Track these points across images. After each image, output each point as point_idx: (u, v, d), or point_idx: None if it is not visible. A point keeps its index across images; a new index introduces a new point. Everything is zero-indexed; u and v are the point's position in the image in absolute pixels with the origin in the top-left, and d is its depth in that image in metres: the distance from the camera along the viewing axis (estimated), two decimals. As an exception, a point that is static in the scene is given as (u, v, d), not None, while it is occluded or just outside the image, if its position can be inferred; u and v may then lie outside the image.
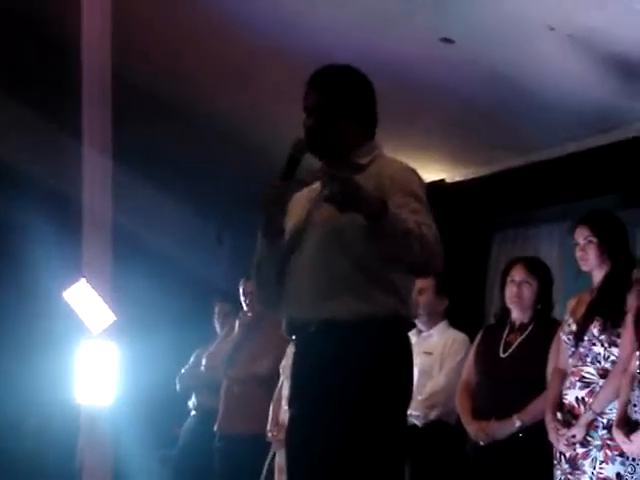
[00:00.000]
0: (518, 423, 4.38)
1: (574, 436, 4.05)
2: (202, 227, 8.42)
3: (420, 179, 3.13)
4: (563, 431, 4.09)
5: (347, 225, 2.96)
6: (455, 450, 4.95)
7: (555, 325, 4.44)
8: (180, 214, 8.16)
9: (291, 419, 3.15)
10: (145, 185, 7.34)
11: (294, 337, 3.15)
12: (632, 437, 3.75)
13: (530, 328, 4.56)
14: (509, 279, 4.63)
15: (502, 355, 4.56)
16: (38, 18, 5.94)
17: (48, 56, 6.18)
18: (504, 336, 4.60)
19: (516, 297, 4.58)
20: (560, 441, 4.09)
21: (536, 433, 4.26)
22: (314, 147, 3.10)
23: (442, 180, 6.87)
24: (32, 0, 5.79)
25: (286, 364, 5.19)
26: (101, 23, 4.81)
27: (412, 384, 3.14)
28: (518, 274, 4.61)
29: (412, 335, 3.19)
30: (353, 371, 2.95)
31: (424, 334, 5.11)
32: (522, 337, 4.56)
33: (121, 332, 5.25)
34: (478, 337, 4.80)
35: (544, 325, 4.54)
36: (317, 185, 3.16)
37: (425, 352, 4.98)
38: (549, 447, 4.18)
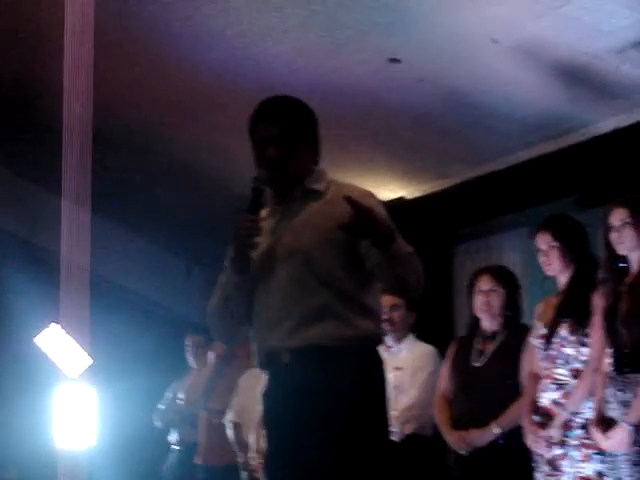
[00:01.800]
0: (497, 430, 4.41)
1: (551, 437, 4.10)
2: (171, 262, 8.42)
3: (380, 202, 3.17)
4: (541, 433, 4.13)
5: (319, 253, 3.02)
6: (434, 462, 4.98)
7: (525, 330, 4.49)
8: (148, 251, 8.16)
9: (271, 450, 3.16)
10: (111, 225, 7.36)
11: (268, 368, 3.15)
12: (609, 434, 3.79)
13: (501, 336, 4.61)
14: (476, 289, 4.67)
15: (476, 364, 4.59)
16: (16, 76, 5.99)
17: (25, 109, 6.22)
18: (476, 345, 4.64)
19: (485, 306, 4.62)
20: (538, 443, 4.14)
21: (516, 438, 4.29)
22: (278, 177, 3.10)
23: (401, 197, 6.92)
24: (9, 55, 5.82)
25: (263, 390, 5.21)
26: (81, 79, 4.86)
27: (387, 401, 3.15)
28: (485, 283, 4.66)
29: (381, 351, 3.23)
30: (334, 396, 2.97)
31: (393, 349, 5.16)
32: (494, 345, 4.60)
33: (96, 374, 5.26)
34: (451, 348, 4.83)
35: (515, 331, 4.58)
36: (265, 214, 3.14)
37: (396, 368, 5.01)
38: (529, 451, 4.22)
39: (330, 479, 2.98)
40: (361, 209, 2.84)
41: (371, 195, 3.16)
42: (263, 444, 5.20)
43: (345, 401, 2.98)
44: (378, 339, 3.16)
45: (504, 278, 4.70)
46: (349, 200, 2.86)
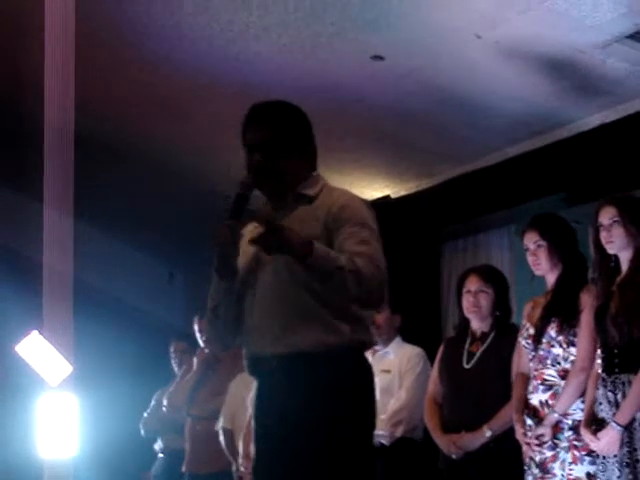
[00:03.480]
0: (489, 433, 4.36)
1: (542, 435, 4.04)
2: (153, 267, 8.39)
3: (369, 208, 3.15)
4: (532, 432, 4.07)
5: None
6: (425, 465, 4.93)
7: (515, 331, 4.42)
8: (130, 256, 8.13)
9: (259, 456, 3.15)
10: (92, 231, 7.31)
11: (256, 374, 3.14)
12: (599, 435, 3.75)
13: (491, 336, 4.56)
14: (465, 290, 4.62)
15: (466, 366, 4.54)
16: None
17: (7, 117, 6.15)
18: (466, 347, 4.58)
19: (474, 307, 4.57)
20: (529, 441, 4.07)
21: (507, 441, 4.25)
22: (262, 183, 3.09)
23: (387, 196, 6.89)
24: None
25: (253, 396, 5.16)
26: (63, 81, 4.79)
27: (375, 406, 3.13)
28: (473, 284, 4.60)
29: (368, 355, 3.19)
30: (321, 402, 2.96)
31: (380, 352, 5.12)
32: (484, 346, 4.55)
33: (79, 382, 5.19)
34: (440, 350, 4.78)
35: (505, 332, 4.53)
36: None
37: (383, 370, 4.98)
38: (520, 454, 4.17)
39: None
40: (270, 228, 2.84)
41: (360, 200, 3.16)
42: (251, 450, 5.18)
43: (330, 409, 2.95)
44: (364, 345, 3.12)
45: (493, 278, 4.65)
46: (261, 222, 2.90)
